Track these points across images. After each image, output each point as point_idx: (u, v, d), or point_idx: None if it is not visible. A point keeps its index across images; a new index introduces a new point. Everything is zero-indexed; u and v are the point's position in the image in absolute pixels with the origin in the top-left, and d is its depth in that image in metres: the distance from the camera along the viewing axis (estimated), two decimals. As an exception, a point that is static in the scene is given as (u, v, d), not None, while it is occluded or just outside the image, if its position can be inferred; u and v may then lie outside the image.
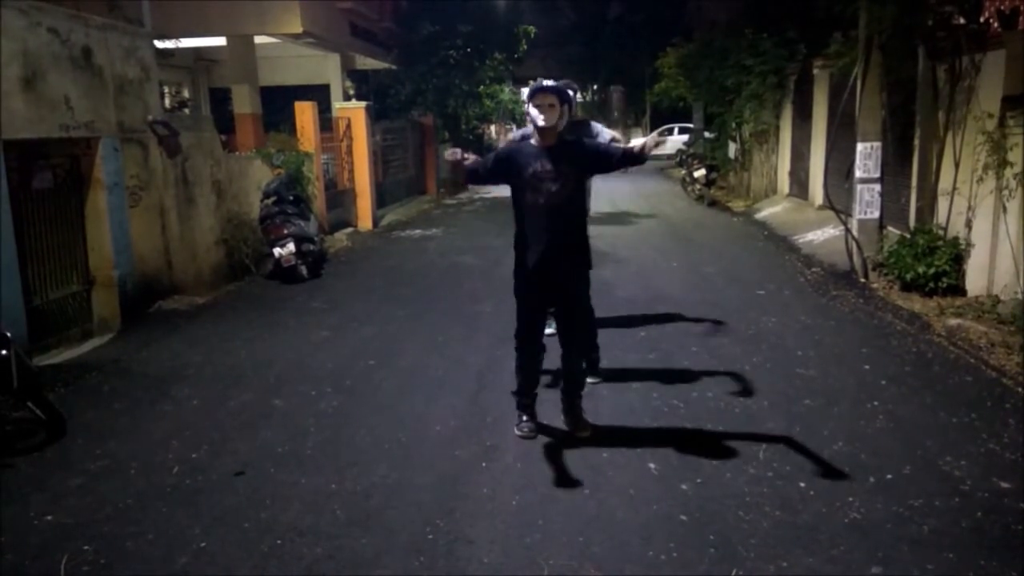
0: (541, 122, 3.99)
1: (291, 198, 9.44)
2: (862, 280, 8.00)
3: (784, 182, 14.48)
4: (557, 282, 4.17)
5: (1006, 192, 6.48)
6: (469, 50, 17.52)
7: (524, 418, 4.37)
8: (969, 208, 7.07)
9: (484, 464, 4.02)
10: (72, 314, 6.73)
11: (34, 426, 4.41)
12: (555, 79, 4.16)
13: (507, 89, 19.36)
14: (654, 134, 4.01)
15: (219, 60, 16.09)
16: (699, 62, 16.65)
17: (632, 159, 4.06)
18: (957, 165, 7.29)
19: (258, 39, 13.24)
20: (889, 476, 3.76)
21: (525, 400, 4.39)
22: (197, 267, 8.37)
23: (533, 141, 4.12)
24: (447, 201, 17.68)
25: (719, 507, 3.51)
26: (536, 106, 3.99)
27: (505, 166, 4.13)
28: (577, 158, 4.10)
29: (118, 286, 7.02)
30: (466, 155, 4.23)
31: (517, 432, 4.32)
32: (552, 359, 4.44)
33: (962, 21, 7.38)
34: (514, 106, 21.02)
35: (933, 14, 7.66)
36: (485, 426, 4.49)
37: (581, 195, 4.18)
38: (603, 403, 4.77)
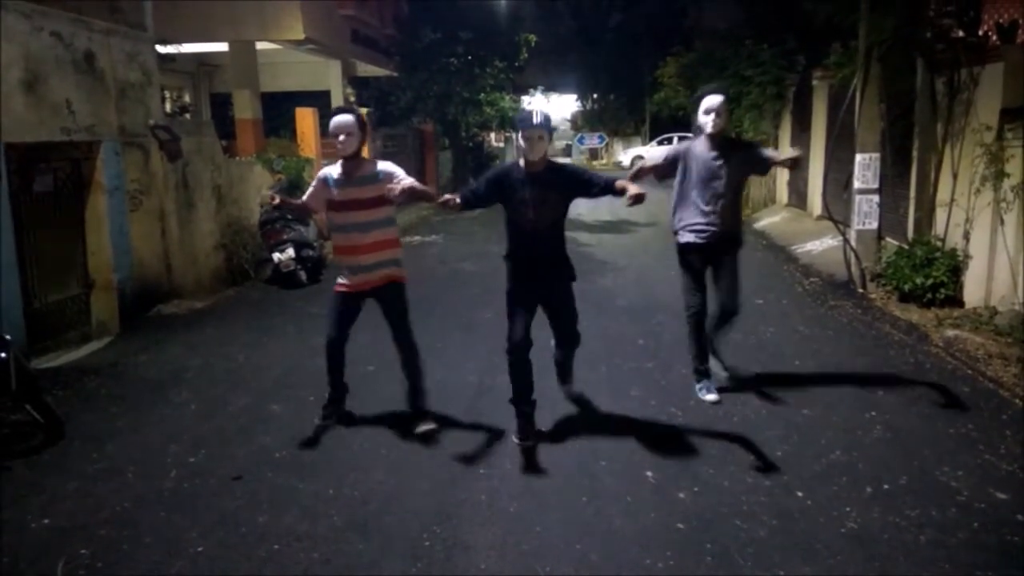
0: (532, 156, 4.14)
1: (291, 203, 9.45)
2: (860, 290, 8.02)
3: (783, 192, 14.52)
4: (546, 291, 4.36)
5: (1003, 204, 6.51)
6: (470, 58, 17.58)
7: (523, 425, 4.37)
8: (967, 220, 7.09)
9: (482, 471, 4.02)
10: (71, 317, 6.74)
11: (32, 429, 4.41)
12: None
13: (507, 97, 19.39)
14: (634, 188, 4.01)
15: (221, 65, 16.11)
16: (699, 72, 16.70)
17: (613, 194, 4.18)
18: (955, 177, 7.32)
19: (260, 45, 13.26)
20: (886, 486, 3.77)
21: (524, 408, 4.39)
22: (196, 271, 8.38)
23: (521, 163, 4.23)
24: (446, 208, 17.66)
25: (716, 516, 3.52)
26: (526, 139, 4.11)
27: (496, 189, 4.26)
28: (560, 184, 4.23)
29: (117, 290, 7.03)
30: (275, 197, 4.46)
31: (515, 439, 4.33)
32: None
33: (961, 34, 7.43)
34: (514, 113, 21.08)
35: (932, 27, 7.71)
36: (483, 432, 4.49)
37: (564, 217, 4.31)
38: (601, 411, 4.78)
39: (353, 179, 4.39)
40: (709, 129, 4.74)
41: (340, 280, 4.59)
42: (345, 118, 4.37)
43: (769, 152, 5.08)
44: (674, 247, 4.96)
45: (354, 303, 4.57)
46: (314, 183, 4.61)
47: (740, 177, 4.90)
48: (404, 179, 4.29)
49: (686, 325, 4.98)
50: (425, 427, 4.47)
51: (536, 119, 4.10)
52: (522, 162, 4.22)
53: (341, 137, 4.33)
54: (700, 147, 4.82)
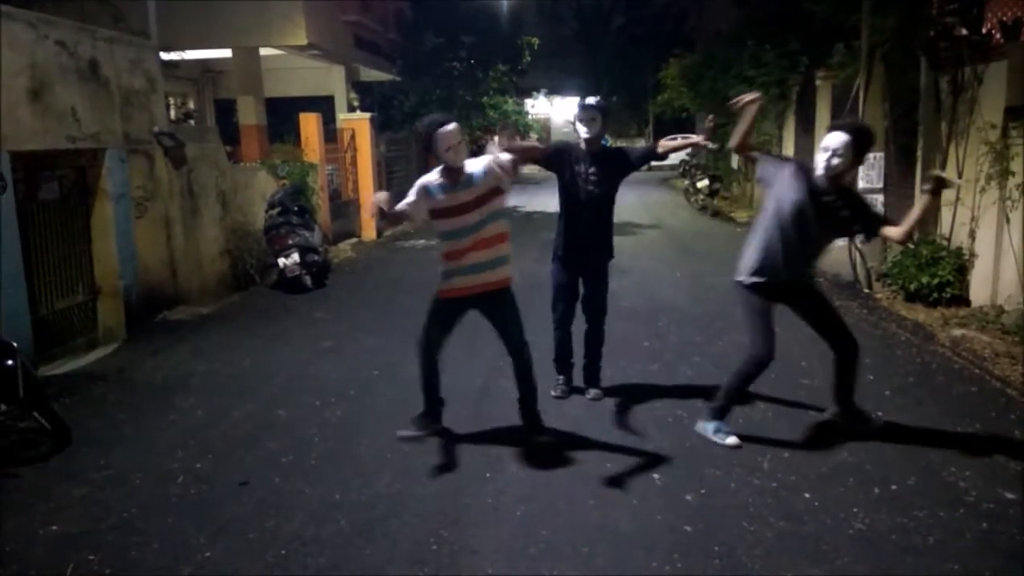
0: (585, 134, 4.71)
1: (295, 209, 9.48)
2: (866, 290, 8.00)
3: (787, 192, 14.46)
4: (587, 263, 4.92)
5: (1009, 202, 6.49)
6: (473, 61, 17.59)
7: (560, 380, 5.07)
8: (972, 218, 7.07)
9: (488, 474, 4.02)
10: (77, 324, 6.76)
11: (39, 436, 4.41)
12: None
13: (510, 100, 19.40)
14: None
15: (224, 72, 16.19)
16: (701, 73, 16.69)
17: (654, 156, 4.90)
18: (960, 175, 7.30)
19: (263, 51, 13.32)
20: (893, 487, 3.76)
21: (562, 365, 5.09)
22: (202, 277, 8.40)
23: (582, 145, 4.79)
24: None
25: (723, 518, 3.51)
26: (581, 120, 4.72)
27: (558, 159, 4.80)
28: (613, 160, 4.86)
29: (123, 296, 7.05)
30: (383, 205, 4.12)
31: (552, 393, 4.94)
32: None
33: (964, 32, 7.41)
34: (517, 117, 21.07)
35: (935, 25, 7.69)
36: (488, 435, 4.49)
37: (615, 191, 4.86)
38: (607, 413, 4.77)
39: (459, 184, 4.17)
40: (820, 170, 4.10)
41: (443, 285, 4.37)
42: (452, 128, 4.10)
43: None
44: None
45: (457, 308, 4.34)
46: (413, 193, 4.28)
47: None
48: (500, 162, 4.08)
49: (744, 367, 4.28)
50: (541, 438, 4.37)
51: (588, 101, 4.77)
52: (582, 144, 4.76)
53: (449, 150, 4.10)
54: (802, 178, 4.16)
